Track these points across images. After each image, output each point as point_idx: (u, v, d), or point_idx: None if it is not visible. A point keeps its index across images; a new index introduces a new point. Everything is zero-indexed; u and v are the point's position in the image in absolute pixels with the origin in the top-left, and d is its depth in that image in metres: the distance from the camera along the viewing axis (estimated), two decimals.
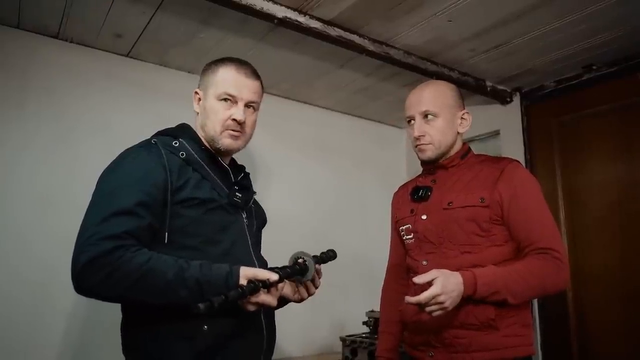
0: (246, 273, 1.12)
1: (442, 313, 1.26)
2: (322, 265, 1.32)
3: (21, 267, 1.86)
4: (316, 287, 1.33)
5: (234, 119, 1.31)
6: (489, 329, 1.34)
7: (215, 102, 1.32)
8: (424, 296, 1.24)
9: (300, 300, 1.34)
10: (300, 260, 1.23)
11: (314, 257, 1.26)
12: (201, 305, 0.96)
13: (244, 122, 1.33)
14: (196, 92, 1.40)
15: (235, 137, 1.34)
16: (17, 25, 1.97)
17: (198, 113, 1.38)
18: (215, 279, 1.10)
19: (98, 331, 1.94)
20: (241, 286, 1.07)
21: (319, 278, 1.33)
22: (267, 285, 1.10)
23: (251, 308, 1.12)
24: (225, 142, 1.33)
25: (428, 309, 1.26)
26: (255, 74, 1.39)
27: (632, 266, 2.12)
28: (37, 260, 1.89)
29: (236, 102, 1.33)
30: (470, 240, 1.40)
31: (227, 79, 1.33)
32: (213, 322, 1.15)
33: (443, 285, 1.24)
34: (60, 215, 1.93)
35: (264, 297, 1.11)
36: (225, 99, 1.32)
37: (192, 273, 1.09)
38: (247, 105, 1.35)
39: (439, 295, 1.23)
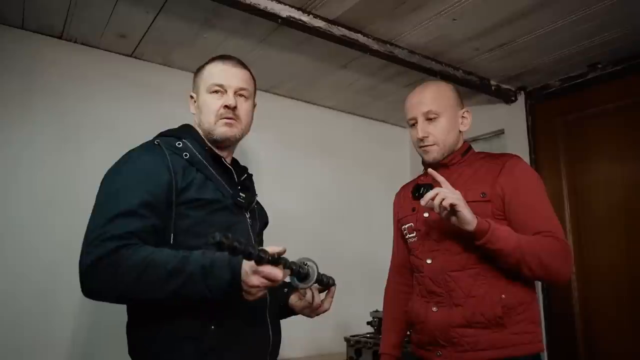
0: (250, 264, 1.05)
1: (447, 202, 1.25)
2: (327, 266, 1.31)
3: (25, 268, 1.85)
4: (324, 310, 1.34)
5: (225, 106, 1.32)
6: (496, 327, 1.34)
7: (206, 95, 1.35)
8: (427, 197, 1.29)
9: (308, 313, 1.35)
10: (305, 265, 1.20)
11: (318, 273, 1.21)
12: (217, 235, 0.89)
13: (237, 108, 1.34)
14: (191, 96, 1.42)
15: (230, 125, 1.34)
16: (21, 26, 1.97)
17: (195, 114, 1.41)
18: (219, 261, 1.06)
19: (103, 332, 1.93)
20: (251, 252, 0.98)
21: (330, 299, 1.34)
22: (275, 260, 1.02)
23: (255, 282, 1.03)
24: (221, 130, 1.33)
25: (436, 201, 1.27)
26: (242, 64, 1.41)
27: (637, 264, 2.11)
28: (40, 262, 1.88)
29: (226, 91, 1.34)
30: None
31: (214, 71, 1.36)
32: (219, 322, 1.15)
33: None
34: (65, 216, 1.93)
35: (271, 269, 1.01)
36: (215, 91, 1.34)
37: (195, 258, 1.07)
38: (239, 94, 1.36)
39: (439, 192, 1.27)
